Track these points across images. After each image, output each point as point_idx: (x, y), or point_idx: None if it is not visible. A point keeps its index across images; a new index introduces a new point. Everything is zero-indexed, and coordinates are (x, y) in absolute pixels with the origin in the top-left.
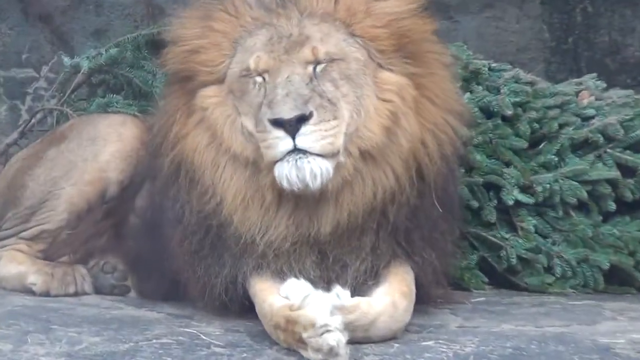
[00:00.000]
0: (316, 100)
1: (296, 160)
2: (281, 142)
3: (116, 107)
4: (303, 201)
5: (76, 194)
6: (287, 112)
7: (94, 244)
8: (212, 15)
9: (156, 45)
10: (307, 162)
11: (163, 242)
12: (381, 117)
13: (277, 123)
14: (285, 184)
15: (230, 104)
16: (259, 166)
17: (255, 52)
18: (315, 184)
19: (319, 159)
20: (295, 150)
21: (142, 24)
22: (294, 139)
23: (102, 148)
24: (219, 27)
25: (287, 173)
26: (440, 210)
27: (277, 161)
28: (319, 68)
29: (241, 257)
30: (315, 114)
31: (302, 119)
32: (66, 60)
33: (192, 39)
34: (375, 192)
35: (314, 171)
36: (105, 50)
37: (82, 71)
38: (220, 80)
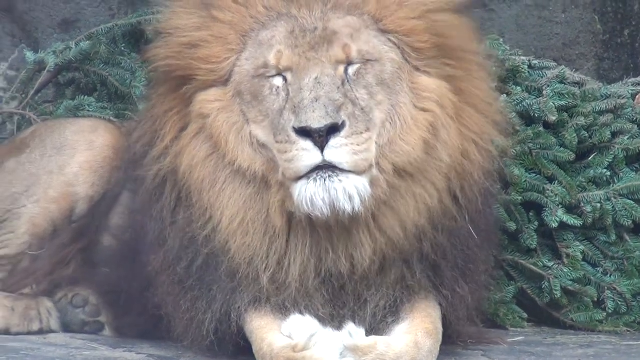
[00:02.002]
0: (348, 108)
1: (325, 180)
2: (307, 154)
3: (88, 111)
4: (324, 228)
5: (39, 213)
6: (317, 120)
7: (61, 272)
8: (215, 3)
9: (136, 38)
10: (339, 180)
11: (143, 270)
12: (420, 129)
13: (304, 133)
14: (306, 208)
15: (237, 110)
16: (268, 182)
17: (274, 46)
18: (352, 207)
19: (352, 176)
20: (323, 166)
21: (119, 12)
22: (322, 151)
23: (69, 159)
24: (224, 17)
25: (312, 195)
26: (476, 235)
27: (300, 178)
28: (351, 70)
29: (236, 289)
30: (347, 124)
31: (333, 130)
32: (29, 55)
33: (190, 30)
34: (419, 211)
35: (348, 191)
36: (75, 44)
37: (47, 68)
38: (224, 81)
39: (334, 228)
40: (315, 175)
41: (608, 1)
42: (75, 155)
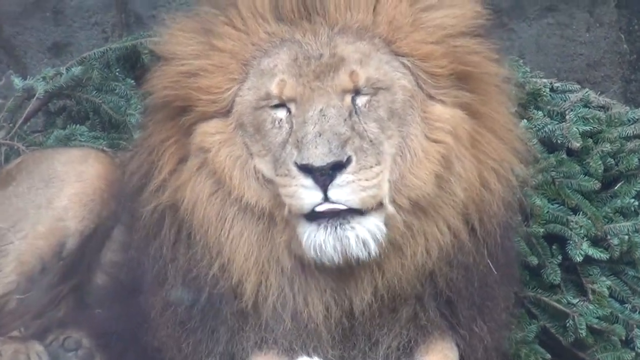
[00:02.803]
0: (355, 142)
1: (336, 228)
2: (308, 192)
3: (80, 140)
4: (335, 269)
5: (27, 249)
6: (320, 157)
7: (52, 313)
8: (214, 30)
9: (131, 63)
10: (351, 228)
11: (140, 310)
12: (431, 162)
13: (306, 169)
14: (314, 254)
15: (240, 142)
16: (274, 219)
17: (277, 75)
18: (367, 253)
19: (364, 220)
20: (332, 213)
21: (112, 35)
22: (325, 190)
23: (58, 191)
24: (224, 45)
25: (321, 243)
26: (495, 270)
27: (305, 217)
28: (360, 101)
29: (240, 329)
30: (354, 159)
31: (338, 167)
32: (17, 81)
33: (189, 58)
34: (429, 251)
35: (361, 238)
36: (66, 69)
37: (36, 95)
38: (225, 112)
39: (343, 269)
40: (326, 223)
41: (635, 19)
42: (64, 188)
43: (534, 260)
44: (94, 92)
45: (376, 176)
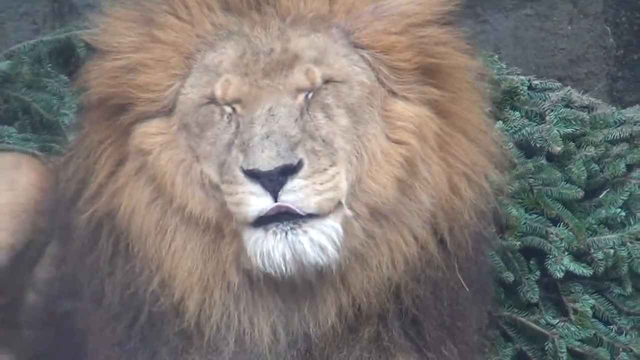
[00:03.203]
0: (307, 144)
1: (286, 233)
2: (255, 199)
3: (8, 143)
4: (288, 285)
5: None
6: (267, 161)
7: None
8: (155, 19)
9: (65, 57)
10: (303, 232)
11: (76, 331)
12: (392, 165)
13: (253, 175)
14: (260, 264)
15: (184, 145)
16: (222, 232)
17: (222, 75)
18: (326, 258)
19: (318, 222)
20: (282, 216)
21: (44, 26)
22: (275, 196)
23: None
24: (165, 37)
25: (269, 250)
26: (467, 288)
27: (251, 225)
28: (313, 98)
29: (184, 351)
30: (306, 162)
31: (288, 171)
32: None
33: (128, 51)
34: (394, 263)
35: (317, 242)
36: None
37: None
38: (167, 112)
39: (298, 285)
40: (275, 228)
41: (622, 10)
42: None
43: (509, 277)
44: (24, 90)
45: (332, 178)
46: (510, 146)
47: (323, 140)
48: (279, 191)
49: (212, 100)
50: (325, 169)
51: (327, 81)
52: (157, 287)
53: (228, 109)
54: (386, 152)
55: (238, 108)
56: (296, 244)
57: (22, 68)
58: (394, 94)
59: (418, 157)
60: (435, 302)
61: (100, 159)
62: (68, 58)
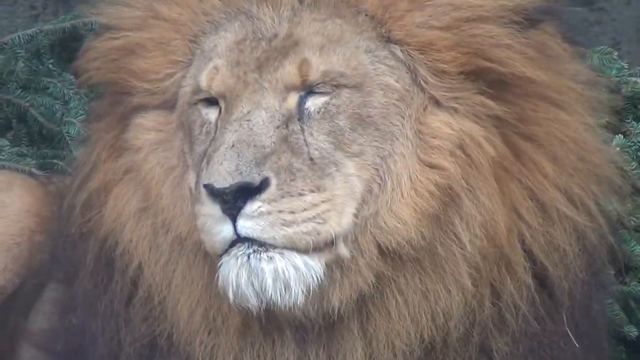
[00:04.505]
0: (283, 158)
1: (248, 256)
2: (215, 224)
3: None
4: (301, 328)
5: None
6: (223, 176)
7: None
8: None
9: (69, 51)
10: (268, 258)
11: None
12: (419, 197)
13: (212, 192)
14: (231, 297)
15: (178, 149)
16: (213, 261)
17: (212, 60)
18: (287, 300)
19: (290, 253)
20: (245, 239)
21: (44, 12)
22: (234, 221)
23: None
24: (168, 13)
25: (234, 278)
26: (577, 345)
27: (220, 255)
28: (311, 103)
29: None
30: (273, 182)
31: (248, 191)
32: None
33: (128, 28)
34: (433, 316)
35: (280, 275)
36: None
37: None
38: (168, 105)
39: (307, 328)
40: (236, 250)
41: None
42: None
43: (632, 331)
44: (19, 92)
45: (312, 207)
46: (633, 167)
47: (311, 159)
48: (237, 216)
49: (197, 94)
50: (301, 194)
51: (338, 87)
52: (170, 329)
53: (212, 115)
54: (414, 178)
55: (222, 107)
56: (258, 271)
57: (16, 65)
58: (437, 103)
59: (458, 187)
60: None
61: (98, 158)
62: (74, 52)
